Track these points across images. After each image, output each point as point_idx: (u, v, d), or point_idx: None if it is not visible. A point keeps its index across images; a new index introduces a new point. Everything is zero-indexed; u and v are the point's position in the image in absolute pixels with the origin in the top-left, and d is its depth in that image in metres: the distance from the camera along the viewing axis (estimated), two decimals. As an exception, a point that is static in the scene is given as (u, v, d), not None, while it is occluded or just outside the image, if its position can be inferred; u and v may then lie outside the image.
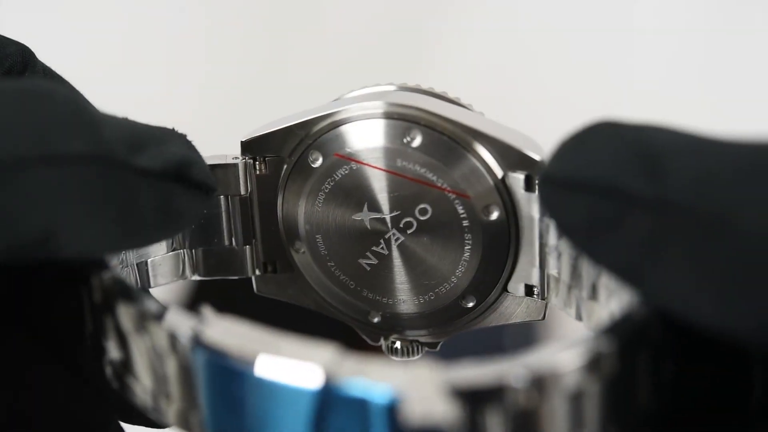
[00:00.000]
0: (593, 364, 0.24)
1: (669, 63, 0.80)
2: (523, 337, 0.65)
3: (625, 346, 0.24)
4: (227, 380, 0.25)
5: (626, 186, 0.24)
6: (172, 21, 0.86)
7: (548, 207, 0.26)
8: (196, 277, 0.35)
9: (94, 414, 0.31)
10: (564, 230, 0.25)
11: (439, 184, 0.31)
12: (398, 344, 0.35)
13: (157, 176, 0.27)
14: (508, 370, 0.23)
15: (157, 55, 0.85)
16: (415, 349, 0.35)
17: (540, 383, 0.23)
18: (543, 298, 0.33)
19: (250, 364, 0.24)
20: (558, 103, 0.77)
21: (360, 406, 0.23)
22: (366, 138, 0.32)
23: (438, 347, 0.35)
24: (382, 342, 0.36)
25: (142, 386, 0.27)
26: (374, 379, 0.23)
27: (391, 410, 0.23)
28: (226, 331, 0.25)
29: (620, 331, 0.24)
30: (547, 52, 0.81)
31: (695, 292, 0.23)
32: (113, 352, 0.28)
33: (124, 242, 0.27)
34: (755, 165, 0.23)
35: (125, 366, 0.27)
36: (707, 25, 0.79)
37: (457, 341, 0.36)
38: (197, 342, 0.25)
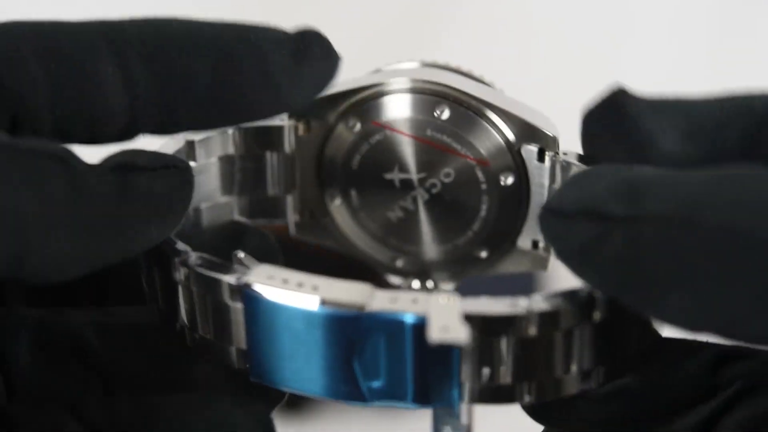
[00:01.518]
0: (587, 307, 0.28)
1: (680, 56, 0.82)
2: (525, 285, 0.72)
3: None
4: (273, 317, 0.29)
5: (607, 209, 0.27)
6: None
7: (547, 236, 0.29)
8: (242, 219, 0.40)
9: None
10: (561, 257, 0.28)
11: (463, 153, 0.36)
12: (415, 284, 0.40)
13: (107, 169, 0.28)
14: (516, 304, 0.28)
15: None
16: (431, 290, 0.40)
17: (543, 318, 0.28)
18: (546, 251, 0.38)
19: (295, 302, 0.28)
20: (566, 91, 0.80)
21: (394, 326, 0.28)
22: (401, 109, 0.36)
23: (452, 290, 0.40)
24: (402, 282, 0.41)
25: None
26: (403, 306, 0.28)
27: (418, 330, 0.27)
28: (268, 275, 0.29)
29: None
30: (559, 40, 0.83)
31: (670, 296, 0.26)
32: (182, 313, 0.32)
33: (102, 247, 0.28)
34: (723, 175, 0.26)
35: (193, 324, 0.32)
36: (712, 24, 0.81)
37: (470, 284, 0.41)
38: (244, 284, 0.29)
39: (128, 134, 0.31)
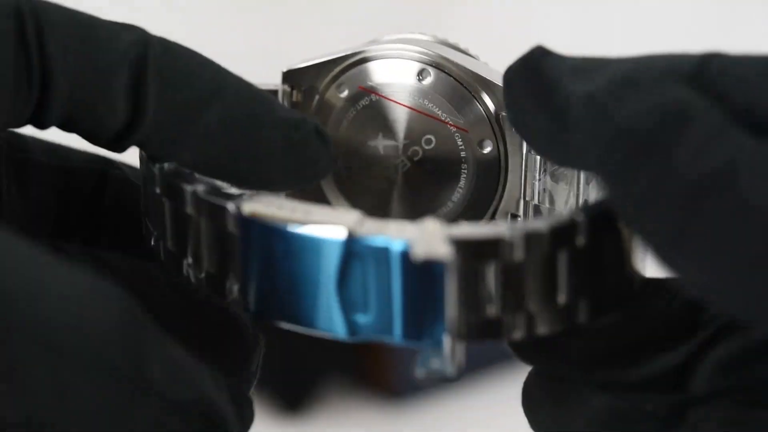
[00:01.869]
0: (570, 231, 0.29)
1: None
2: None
3: (594, 222, 0.29)
4: (268, 242, 0.30)
5: (641, 139, 0.26)
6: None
7: (574, 120, 0.28)
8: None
9: None
10: (581, 145, 0.28)
11: (444, 119, 0.37)
12: None
13: None
14: (499, 228, 0.29)
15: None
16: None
17: (527, 239, 0.28)
18: None
19: (288, 225, 0.29)
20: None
21: (381, 254, 0.28)
22: (386, 74, 0.38)
23: None
24: None
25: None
26: (392, 233, 0.29)
27: (405, 255, 0.28)
28: (265, 203, 0.30)
29: (591, 211, 0.29)
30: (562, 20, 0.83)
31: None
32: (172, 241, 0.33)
33: None
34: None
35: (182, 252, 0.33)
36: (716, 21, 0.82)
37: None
38: (241, 212, 0.30)
39: (119, 144, 0.33)
